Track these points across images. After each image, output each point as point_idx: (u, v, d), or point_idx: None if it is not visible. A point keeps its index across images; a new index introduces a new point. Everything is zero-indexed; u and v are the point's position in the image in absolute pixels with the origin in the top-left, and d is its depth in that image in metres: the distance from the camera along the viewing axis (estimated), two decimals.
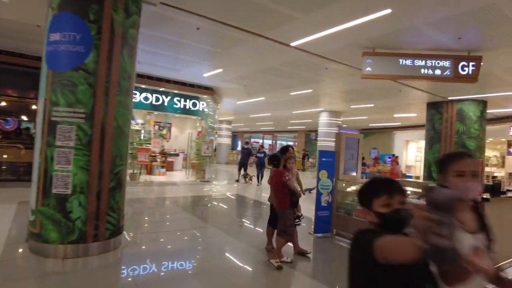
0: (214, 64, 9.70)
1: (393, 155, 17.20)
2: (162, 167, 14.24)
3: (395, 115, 17.63)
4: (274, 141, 36.82)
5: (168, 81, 11.90)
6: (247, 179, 13.67)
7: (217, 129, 28.44)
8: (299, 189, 4.85)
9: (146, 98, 12.07)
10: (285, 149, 4.99)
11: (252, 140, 41.31)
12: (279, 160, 4.68)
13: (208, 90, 12.78)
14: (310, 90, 12.28)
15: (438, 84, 10.12)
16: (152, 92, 12.23)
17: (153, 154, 14.42)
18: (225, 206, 8.73)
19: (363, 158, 22.97)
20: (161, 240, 5.41)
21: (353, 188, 5.93)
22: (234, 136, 43.65)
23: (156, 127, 15.83)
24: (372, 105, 14.57)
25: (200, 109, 13.17)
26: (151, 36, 7.44)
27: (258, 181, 13.28)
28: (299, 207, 4.79)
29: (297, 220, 4.68)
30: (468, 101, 11.85)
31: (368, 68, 7.06)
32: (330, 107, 16.36)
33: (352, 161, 6.30)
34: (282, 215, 4.44)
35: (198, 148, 13.28)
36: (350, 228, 5.59)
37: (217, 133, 28.44)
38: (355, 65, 8.52)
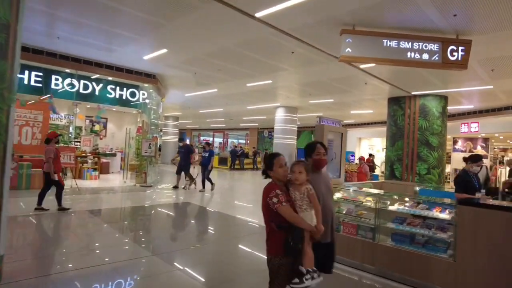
0: (156, 42, 7.84)
1: (370, 154, 16.83)
2: (95, 169, 11.89)
3: (352, 112, 17.14)
4: (225, 139, 35.17)
5: (99, 65, 9.68)
6: (187, 185, 11.05)
7: (162, 126, 26.07)
8: (312, 222, 2.46)
9: (71, 85, 9.69)
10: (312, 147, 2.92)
11: (202, 138, 39.25)
12: (269, 164, 2.58)
13: (150, 77, 10.78)
14: (269, 81, 10.94)
15: (403, 77, 9.43)
16: (80, 78, 9.89)
17: (83, 154, 12.00)
18: (172, 222, 6.98)
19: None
20: None
21: (338, 195, 4.64)
22: (182, 133, 41.17)
23: (87, 121, 13.33)
24: (331, 100, 13.71)
25: (141, 100, 11.09)
26: None
27: (202, 186, 10.92)
28: (308, 256, 2.43)
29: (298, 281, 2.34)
30: (431, 96, 11.46)
31: (348, 49, 5.85)
32: (288, 102, 15.25)
33: (334, 162, 5.02)
34: (270, 269, 2.45)
35: (138, 146, 11.20)
36: (338, 249, 4.28)
37: (162, 130, 26.07)
38: (327, 50, 7.32)
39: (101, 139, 14.11)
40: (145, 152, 10.64)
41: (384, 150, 25.71)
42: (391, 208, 4.10)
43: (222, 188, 12.66)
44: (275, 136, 16.94)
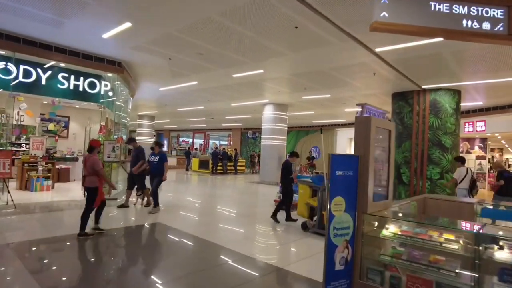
0: (118, 13, 5.90)
1: None
2: (47, 178, 9.71)
3: (346, 110, 15.64)
4: (206, 140, 33.10)
5: (46, 46, 7.59)
6: (139, 201, 8.43)
7: (136, 126, 23.82)
8: None
9: (6, 72, 7.51)
10: None
11: (181, 139, 37.00)
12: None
13: (114, 65, 8.77)
14: (260, 71, 9.19)
15: (418, 65, 7.94)
16: (19, 62, 7.73)
17: (32, 160, 9.80)
18: (122, 262, 4.56)
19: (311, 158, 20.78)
20: None
21: (393, 229, 2.93)
22: (159, 134, 38.72)
23: (38, 119, 11.09)
24: (328, 95, 12.11)
25: (102, 92, 9.01)
26: None
27: (155, 203, 7.57)
28: None
29: None
30: (443, 91, 10.05)
31: (384, 13, 4.15)
32: (278, 98, 13.53)
33: (382, 174, 3.29)
34: None
35: (101, 150, 9.09)
36: None
37: (136, 131, 23.79)
38: (342, 24, 5.63)
39: (56, 140, 11.86)
40: (108, 157, 8.60)
41: None
42: (499, 255, 2.42)
43: (203, 198, 10.77)
44: (262, 136, 15.19)
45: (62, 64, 8.25)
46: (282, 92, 12.19)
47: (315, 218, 6.44)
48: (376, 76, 9.10)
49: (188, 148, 29.76)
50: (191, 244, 5.42)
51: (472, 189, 7.81)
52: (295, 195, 7.57)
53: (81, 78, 8.60)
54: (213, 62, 8.55)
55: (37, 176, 9.51)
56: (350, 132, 21.79)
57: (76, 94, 8.62)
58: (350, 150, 22.33)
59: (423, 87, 9.94)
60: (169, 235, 5.91)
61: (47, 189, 9.54)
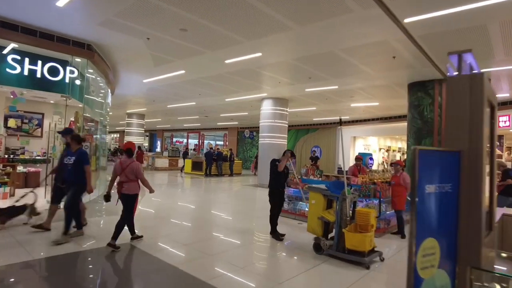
0: None
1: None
2: (3, 184, 8.16)
3: (352, 105, 14.18)
4: (201, 141, 31.56)
5: None
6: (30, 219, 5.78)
7: (125, 125, 22.26)
8: None
9: None
10: None
11: (175, 139, 35.43)
12: None
13: (82, 48, 7.25)
14: (258, 55, 7.71)
15: (445, 47, 6.49)
16: None
17: None
18: None
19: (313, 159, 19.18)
20: None
21: None
22: (153, 135, 37.13)
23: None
24: (335, 86, 10.64)
25: (67, 80, 7.45)
26: None
27: (74, 225, 5.24)
28: None
29: None
30: None
31: None
32: (277, 91, 12.06)
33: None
34: None
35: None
36: None
37: (125, 131, 22.22)
38: None
39: (18, 139, 10.27)
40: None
41: (387, 151, 23.26)
42: None
43: (192, 207, 9.26)
44: (260, 135, 13.70)
45: (14, 45, 6.71)
46: (282, 84, 10.71)
47: (331, 235, 4.96)
48: (395, 60, 7.65)
49: (186, 148, 28.19)
50: (165, 280, 3.91)
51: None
52: (301, 203, 6.08)
53: (39, 62, 7.03)
54: (200, 42, 7.05)
55: None
56: (354, 130, 20.34)
57: (33, 82, 7.04)
58: (354, 151, 20.88)
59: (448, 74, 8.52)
60: (139, 265, 4.39)
61: (3, 197, 7.98)
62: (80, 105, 8.22)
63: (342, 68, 8.63)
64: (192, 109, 17.85)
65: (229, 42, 6.92)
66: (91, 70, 8.31)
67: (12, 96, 8.17)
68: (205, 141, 31.58)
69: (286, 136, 13.68)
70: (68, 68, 7.36)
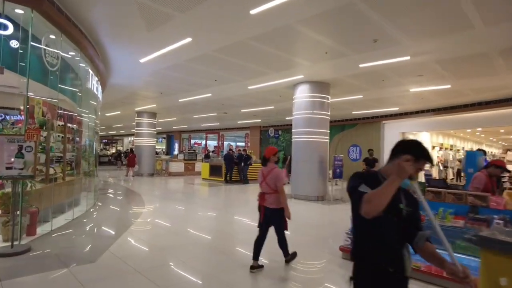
0: None
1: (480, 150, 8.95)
2: None
3: (413, 90, 10.85)
4: (220, 142, 28.84)
5: None
6: None
7: (134, 126, 19.82)
8: None
9: None
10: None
11: (193, 141, 32.94)
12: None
13: None
14: None
15: None
16: None
17: None
18: None
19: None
20: None
21: None
22: (170, 137, 34.81)
23: None
24: (407, 57, 7.43)
25: (15, 45, 4.67)
26: None
27: None
28: None
29: None
30: None
31: None
32: (316, 72, 8.98)
33: None
34: None
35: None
36: None
37: (134, 131, 19.73)
38: None
39: None
40: (8, 166, 4.32)
41: (444, 148, 19.34)
42: None
43: (207, 229, 6.31)
44: (294, 130, 10.62)
45: None
46: (329, 56, 7.61)
47: None
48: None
49: (210, 151, 25.59)
50: None
51: None
52: (467, 267, 2.95)
53: None
54: None
55: None
56: (402, 124, 16.88)
57: None
58: None
59: None
60: None
61: None
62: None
63: (437, 20, 5.46)
64: (208, 104, 15.02)
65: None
66: (52, 37, 5.57)
67: None
68: (224, 142, 28.85)
69: (328, 131, 10.52)
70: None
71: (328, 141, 10.56)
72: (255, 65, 8.49)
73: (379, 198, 1.46)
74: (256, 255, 4.11)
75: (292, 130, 10.71)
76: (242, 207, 9.47)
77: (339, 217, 8.02)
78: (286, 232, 4.21)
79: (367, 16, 5.45)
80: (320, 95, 10.14)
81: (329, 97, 10.40)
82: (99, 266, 4.08)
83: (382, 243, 1.63)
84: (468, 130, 18.73)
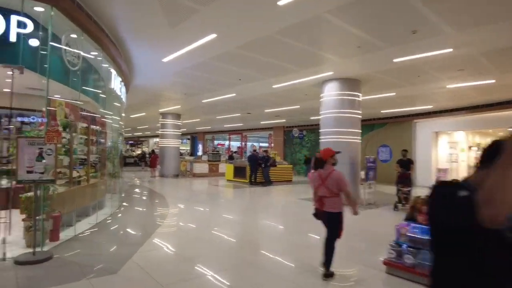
0: None
1: None
2: None
3: (450, 86, 10.05)
4: (243, 143, 28.62)
5: None
6: None
7: (159, 127, 19.91)
8: None
9: None
10: None
11: (216, 142, 32.94)
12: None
13: None
14: None
15: None
16: None
17: None
18: None
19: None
20: None
21: None
22: (194, 138, 35.00)
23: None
24: (450, 49, 6.77)
25: (13, 39, 4.48)
26: None
27: None
28: None
29: None
30: None
31: None
32: (347, 68, 8.45)
33: None
34: None
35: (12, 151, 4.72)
36: None
37: (159, 133, 19.81)
38: None
39: None
40: (29, 170, 4.16)
41: (478, 149, 18.08)
42: None
43: (230, 237, 5.98)
44: (321, 131, 10.10)
45: None
46: (362, 50, 7.08)
47: None
48: None
49: (233, 151, 25.45)
50: None
51: None
52: None
53: None
54: None
55: None
56: (435, 123, 15.87)
57: None
58: (437, 149, 16.36)
59: None
60: None
61: None
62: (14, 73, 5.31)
63: (487, 6, 4.84)
64: (232, 105, 14.75)
65: None
66: (73, 36, 5.42)
67: None
68: (247, 143, 28.59)
69: (360, 131, 9.92)
70: (12, 19, 4.44)
71: (360, 141, 9.96)
72: (281, 61, 8.07)
73: (502, 190, 1.00)
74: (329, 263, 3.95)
75: (320, 130, 10.19)
76: (272, 211, 9.07)
77: (373, 224, 7.46)
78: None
79: (408, 3, 4.91)
80: (350, 92, 9.56)
81: (360, 94, 9.81)
82: (121, 278, 3.82)
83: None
84: (510, 129, 17.37)
